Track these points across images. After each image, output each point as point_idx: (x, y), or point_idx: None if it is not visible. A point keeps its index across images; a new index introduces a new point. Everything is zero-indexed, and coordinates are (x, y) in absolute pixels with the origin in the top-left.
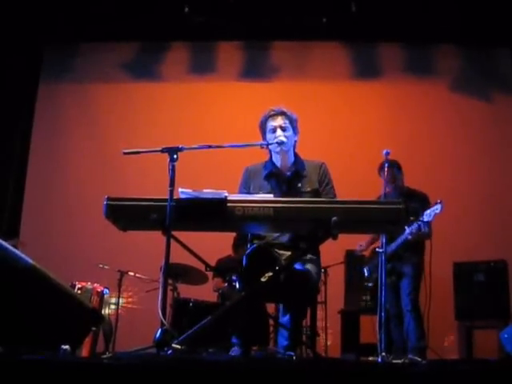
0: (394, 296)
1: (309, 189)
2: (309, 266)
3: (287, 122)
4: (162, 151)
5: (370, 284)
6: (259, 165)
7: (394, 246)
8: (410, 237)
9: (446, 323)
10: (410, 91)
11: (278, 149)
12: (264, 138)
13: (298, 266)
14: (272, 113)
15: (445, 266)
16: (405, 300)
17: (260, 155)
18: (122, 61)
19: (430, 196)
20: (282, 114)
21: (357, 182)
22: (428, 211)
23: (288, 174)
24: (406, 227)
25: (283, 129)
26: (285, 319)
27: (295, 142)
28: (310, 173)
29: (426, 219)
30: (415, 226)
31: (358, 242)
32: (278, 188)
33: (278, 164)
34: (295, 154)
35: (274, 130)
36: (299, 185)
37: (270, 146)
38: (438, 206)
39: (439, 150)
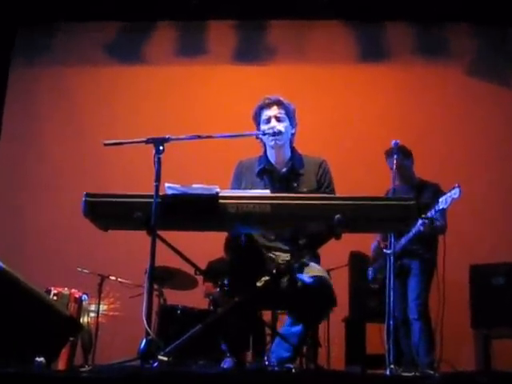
0: (402, 299)
1: (306, 189)
2: (317, 271)
3: (283, 112)
4: (147, 142)
5: (376, 286)
6: (254, 159)
7: (403, 240)
8: (422, 228)
9: (461, 332)
10: (421, 75)
11: (272, 142)
12: (258, 130)
13: (302, 275)
14: (267, 101)
15: (460, 267)
16: (411, 307)
17: (257, 147)
18: (103, 42)
19: (443, 187)
20: (278, 103)
21: (362, 178)
22: (444, 197)
23: (283, 171)
24: (418, 219)
25: (278, 119)
26: (292, 330)
27: (292, 135)
28: (309, 171)
29: (440, 206)
30: (429, 215)
31: (364, 241)
32: (272, 186)
33: (273, 159)
34: (292, 149)
35: (268, 121)
36: (295, 184)
37: (264, 139)
38: (456, 191)
39: (454, 139)
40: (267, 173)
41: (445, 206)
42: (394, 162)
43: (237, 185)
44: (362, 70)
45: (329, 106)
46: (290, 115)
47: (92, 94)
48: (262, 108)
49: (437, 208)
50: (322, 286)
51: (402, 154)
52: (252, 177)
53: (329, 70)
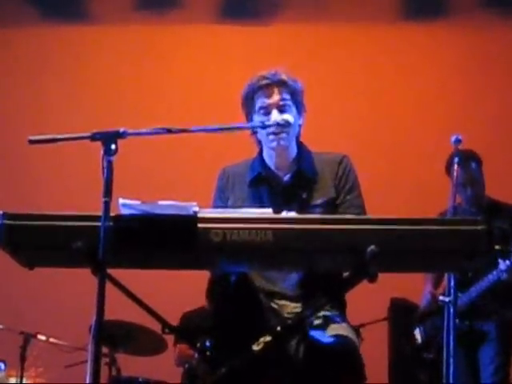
0: (470, 374)
1: (320, 200)
2: (339, 329)
3: (288, 96)
4: (93, 138)
5: (430, 355)
6: (243, 164)
7: (474, 292)
8: (505, 275)
9: None
10: (492, 37)
11: (274, 143)
12: (251, 120)
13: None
14: (263, 82)
15: None
16: (487, 370)
17: (253, 146)
18: None
19: None
20: (280, 83)
21: (404, 189)
22: None
23: (286, 178)
24: (499, 260)
25: (282, 108)
26: None
27: (300, 126)
28: (323, 174)
29: None
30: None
31: (410, 284)
32: (271, 201)
33: (272, 163)
34: (299, 146)
35: (266, 112)
36: (304, 195)
37: (261, 135)
38: None
39: None
40: (264, 182)
41: None
42: (464, 171)
43: (221, 201)
44: (405, 31)
45: (354, 83)
46: (298, 99)
47: (15, 64)
48: (255, 91)
49: None
50: (344, 351)
51: (476, 163)
52: (242, 189)
53: (356, 33)
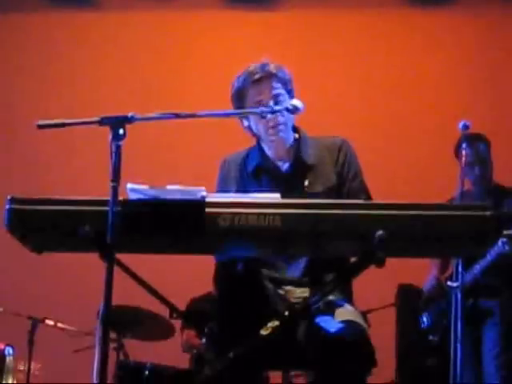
0: (475, 358)
1: (321, 188)
2: (347, 314)
3: (279, 84)
4: (101, 123)
5: (435, 338)
6: (242, 154)
7: (478, 269)
8: (507, 248)
9: None
10: (498, 22)
11: (274, 137)
12: (241, 116)
13: (325, 317)
14: (255, 77)
15: None
16: (489, 368)
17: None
18: None
19: None
20: (271, 76)
21: (412, 177)
22: None
23: (285, 166)
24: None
25: (277, 100)
26: None
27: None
28: (323, 159)
29: None
30: None
31: (418, 270)
32: (273, 190)
33: (271, 152)
34: (296, 131)
35: (263, 106)
36: (306, 183)
37: (260, 126)
38: None
39: None
40: (264, 172)
41: None
42: (473, 151)
43: (224, 191)
44: (412, 17)
45: (361, 68)
46: (288, 87)
47: (22, 51)
48: (247, 88)
49: None
50: (355, 336)
51: (486, 144)
52: (244, 178)
53: (363, 17)
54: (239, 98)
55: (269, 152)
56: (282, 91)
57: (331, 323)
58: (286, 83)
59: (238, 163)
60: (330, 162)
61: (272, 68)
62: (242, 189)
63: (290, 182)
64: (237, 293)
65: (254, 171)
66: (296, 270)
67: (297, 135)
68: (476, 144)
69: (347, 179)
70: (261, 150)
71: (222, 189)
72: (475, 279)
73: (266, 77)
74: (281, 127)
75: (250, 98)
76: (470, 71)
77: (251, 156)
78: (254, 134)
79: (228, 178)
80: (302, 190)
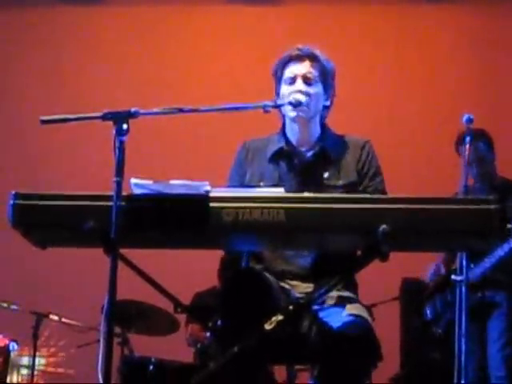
0: (481, 350)
1: (341, 182)
2: (353, 309)
3: (317, 72)
4: (104, 118)
5: (439, 330)
6: (265, 139)
7: (487, 263)
8: None
9: None
10: (504, 15)
11: (294, 113)
12: (277, 91)
13: (330, 311)
14: (296, 53)
15: None
16: (495, 360)
17: (269, 125)
18: None
19: None
20: (312, 57)
21: (418, 173)
22: None
23: (308, 154)
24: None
25: (308, 80)
26: None
27: (326, 107)
28: (347, 156)
29: None
30: None
31: (422, 263)
32: (290, 178)
33: (294, 138)
34: (323, 126)
35: (292, 81)
36: (326, 175)
37: (281, 108)
38: None
39: None
40: (285, 157)
41: None
42: (472, 149)
43: (238, 175)
44: (415, 9)
45: (366, 63)
46: (327, 78)
47: (26, 46)
48: (287, 61)
49: None
50: (360, 330)
51: (484, 143)
52: (262, 163)
53: (370, 12)
54: (277, 72)
55: (292, 137)
56: (317, 77)
57: (336, 317)
58: (325, 73)
59: (258, 147)
60: (352, 160)
61: (316, 52)
62: (259, 174)
63: (309, 170)
64: (241, 287)
65: (274, 156)
66: (304, 262)
67: (325, 131)
68: (475, 143)
69: (366, 177)
70: (284, 134)
71: (237, 172)
72: (484, 273)
73: (306, 56)
74: (302, 107)
75: (285, 72)
76: (474, 62)
77: (273, 141)
78: (283, 116)
79: (245, 161)
80: (321, 182)
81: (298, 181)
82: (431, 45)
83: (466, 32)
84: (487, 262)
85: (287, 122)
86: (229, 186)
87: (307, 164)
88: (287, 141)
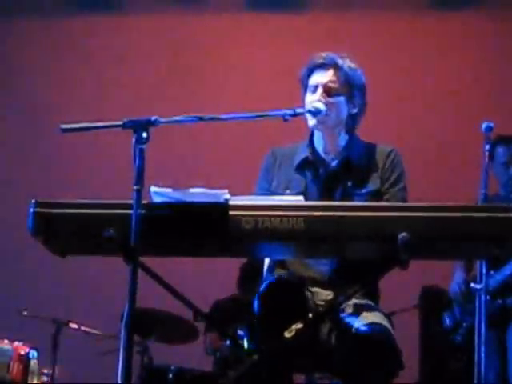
0: (501, 358)
1: (365, 190)
2: (373, 316)
3: (340, 80)
4: (124, 126)
5: (458, 338)
6: (293, 147)
7: (508, 269)
8: None
9: None
10: None
11: (313, 121)
12: (304, 100)
13: (350, 319)
14: (319, 61)
15: None
16: None
17: (292, 133)
18: None
19: None
20: (335, 65)
21: (439, 180)
22: None
23: (334, 163)
24: None
25: (329, 90)
26: None
27: (352, 115)
28: (371, 165)
29: None
30: None
31: (442, 271)
32: (316, 186)
33: (320, 147)
34: (350, 135)
35: (315, 89)
36: (350, 183)
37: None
38: None
39: None
40: (310, 166)
41: None
42: (488, 153)
43: (266, 182)
44: (436, 17)
45: (384, 69)
46: (351, 85)
47: (45, 58)
48: (312, 69)
49: None
50: (381, 338)
51: (508, 149)
52: (289, 172)
53: (388, 19)
54: (303, 79)
55: (319, 146)
56: (339, 86)
57: (356, 325)
58: (349, 80)
59: (286, 155)
60: (377, 168)
61: (338, 60)
62: (285, 182)
63: (334, 178)
64: (261, 293)
65: (301, 164)
66: (325, 268)
67: (351, 139)
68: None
69: (387, 182)
70: (312, 143)
71: (265, 178)
72: (505, 280)
73: (329, 65)
74: (319, 116)
75: (310, 81)
76: (493, 72)
77: (300, 149)
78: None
79: (272, 169)
80: (345, 190)
81: (322, 190)
82: (450, 54)
83: (484, 40)
84: (508, 269)
85: (314, 130)
86: (257, 193)
87: (332, 173)
88: (313, 149)
